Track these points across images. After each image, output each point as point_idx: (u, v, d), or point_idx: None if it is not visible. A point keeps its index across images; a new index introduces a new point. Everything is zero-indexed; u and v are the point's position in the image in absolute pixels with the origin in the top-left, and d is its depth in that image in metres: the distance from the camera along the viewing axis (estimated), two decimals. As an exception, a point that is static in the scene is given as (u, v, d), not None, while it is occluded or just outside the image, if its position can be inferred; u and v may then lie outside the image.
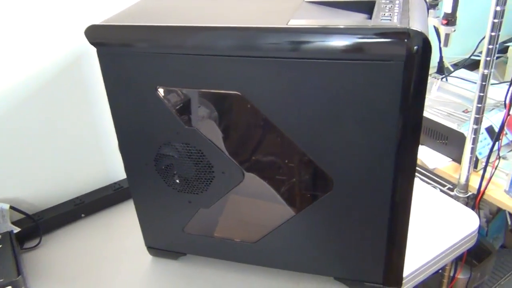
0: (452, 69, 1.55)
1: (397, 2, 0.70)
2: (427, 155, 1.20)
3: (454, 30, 1.13)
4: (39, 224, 1.05)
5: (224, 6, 0.77)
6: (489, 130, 1.14)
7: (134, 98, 0.76)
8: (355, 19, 0.68)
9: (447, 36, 1.15)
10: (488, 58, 1.00)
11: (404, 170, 0.70)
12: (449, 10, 1.10)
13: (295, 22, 0.65)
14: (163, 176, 0.83)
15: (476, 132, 1.07)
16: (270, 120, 0.71)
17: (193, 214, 0.87)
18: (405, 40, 0.59)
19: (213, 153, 0.78)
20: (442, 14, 1.12)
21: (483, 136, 1.13)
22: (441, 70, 1.52)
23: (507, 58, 1.58)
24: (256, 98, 0.70)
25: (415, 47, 0.59)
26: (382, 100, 0.64)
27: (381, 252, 0.78)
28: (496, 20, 0.96)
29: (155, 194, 0.86)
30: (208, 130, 0.77)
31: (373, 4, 0.71)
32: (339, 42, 0.62)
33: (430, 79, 1.39)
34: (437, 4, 1.15)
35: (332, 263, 0.84)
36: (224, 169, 0.79)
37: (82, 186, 1.12)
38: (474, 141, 1.07)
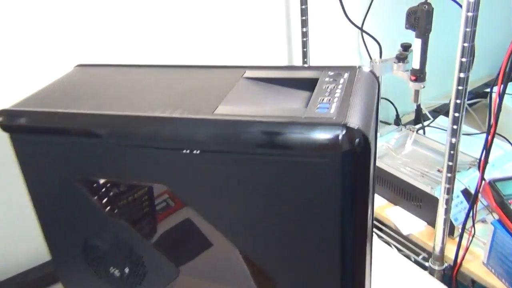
0: (430, 117, 1.48)
1: (341, 81, 0.62)
2: (401, 218, 1.12)
3: (424, 87, 1.06)
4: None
5: (153, 86, 0.69)
6: (466, 192, 1.06)
7: (54, 188, 0.68)
8: (290, 105, 0.60)
9: (417, 92, 1.07)
10: (458, 101, 0.90)
11: (353, 271, 0.61)
12: (417, 66, 1.02)
13: (223, 110, 0.57)
14: (93, 269, 0.74)
15: (448, 193, 0.98)
16: (203, 217, 0.63)
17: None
18: (340, 138, 0.51)
19: (143, 247, 0.69)
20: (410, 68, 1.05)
21: (459, 199, 1.05)
22: (418, 118, 1.45)
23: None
24: (183, 192, 0.62)
25: (351, 145, 0.51)
26: (320, 199, 0.55)
27: None
28: (464, 59, 0.85)
29: (87, 286, 0.77)
30: (138, 223, 0.68)
31: (316, 81, 0.63)
32: (266, 137, 0.54)
33: (404, 131, 1.32)
34: (405, 57, 1.08)
35: None
36: (156, 264, 0.70)
37: (23, 262, 1.03)
38: (447, 205, 0.99)
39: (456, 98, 0.88)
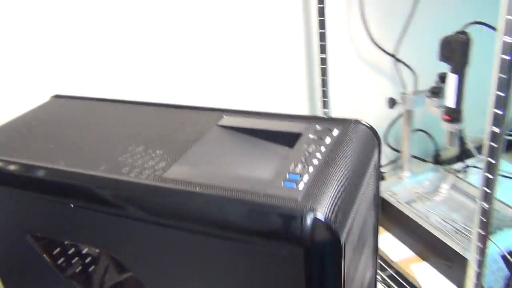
0: (476, 154, 1.29)
1: (326, 140, 0.50)
2: (429, 278, 0.96)
3: (459, 129, 0.90)
4: None
5: (117, 127, 0.60)
6: (506, 258, 0.89)
7: (5, 243, 0.61)
8: (255, 172, 0.48)
9: (451, 134, 0.91)
10: (495, 145, 0.71)
11: None
12: (452, 105, 0.87)
13: (173, 173, 0.47)
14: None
15: (481, 254, 0.82)
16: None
17: None
18: (299, 231, 0.39)
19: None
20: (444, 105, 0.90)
21: (498, 265, 0.88)
22: (461, 156, 1.27)
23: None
24: (126, 258, 0.52)
25: (314, 242, 0.39)
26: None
27: None
28: (500, 93, 0.69)
29: None
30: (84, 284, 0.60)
31: (298, 137, 0.51)
32: (216, 213, 0.43)
33: (441, 172, 1.15)
34: (439, 91, 0.92)
35: None
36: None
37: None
38: (480, 269, 0.82)
39: (491, 139, 0.71)
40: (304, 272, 0.40)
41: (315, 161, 0.46)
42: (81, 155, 0.53)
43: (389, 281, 0.99)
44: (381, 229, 1.09)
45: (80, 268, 0.60)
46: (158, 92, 0.93)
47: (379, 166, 0.54)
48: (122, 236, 0.50)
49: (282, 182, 0.44)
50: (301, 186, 0.43)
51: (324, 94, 1.09)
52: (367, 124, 0.53)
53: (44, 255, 0.58)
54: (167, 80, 0.93)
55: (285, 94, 1.09)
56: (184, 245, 0.46)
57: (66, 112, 0.67)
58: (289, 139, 0.52)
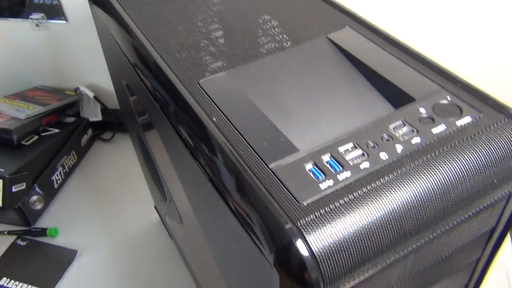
0: None
1: (432, 128, 0.31)
2: None
3: None
4: (117, 120, 1.06)
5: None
6: None
7: (117, 71, 0.61)
8: (308, 127, 0.34)
9: None
10: None
11: None
12: None
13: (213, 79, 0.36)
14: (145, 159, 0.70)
15: None
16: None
17: (164, 214, 0.73)
18: (271, 251, 0.27)
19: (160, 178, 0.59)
20: None
21: None
22: None
23: None
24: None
25: (288, 274, 0.26)
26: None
27: None
28: None
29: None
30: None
31: (407, 102, 0.33)
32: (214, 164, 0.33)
33: None
34: None
35: None
36: (169, 199, 0.60)
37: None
38: None
39: None
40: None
41: (384, 155, 0.30)
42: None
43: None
44: None
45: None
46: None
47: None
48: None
49: (312, 164, 0.30)
50: (327, 182, 0.28)
51: None
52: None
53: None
54: None
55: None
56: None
57: None
58: (395, 98, 0.35)
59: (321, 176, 0.29)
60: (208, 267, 0.54)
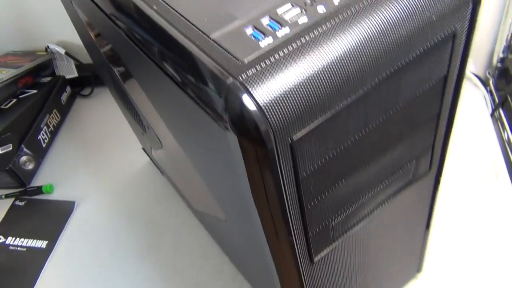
0: None
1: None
2: None
3: None
4: (94, 75, 1.06)
5: None
6: None
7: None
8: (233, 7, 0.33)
9: None
10: None
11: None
12: None
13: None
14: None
15: None
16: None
17: (150, 150, 0.75)
18: (219, 104, 0.27)
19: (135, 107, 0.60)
20: None
21: None
22: None
23: None
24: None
25: (235, 124, 0.27)
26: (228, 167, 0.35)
27: None
28: None
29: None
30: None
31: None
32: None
33: None
34: None
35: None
36: (147, 126, 0.61)
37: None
38: None
39: None
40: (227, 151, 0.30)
41: (322, 9, 0.30)
42: None
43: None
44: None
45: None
46: None
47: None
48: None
49: (252, 28, 0.30)
50: (267, 43, 0.29)
51: None
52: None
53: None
54: None
55: None
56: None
57: None
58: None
59: (261, 36, 0.29)
60: (192, 181, 0.55)
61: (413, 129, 0.38)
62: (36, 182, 0.92)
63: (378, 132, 0.34)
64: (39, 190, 0.90)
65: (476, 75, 0.87)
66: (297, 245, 0.38)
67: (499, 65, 0.87)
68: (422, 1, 0.30)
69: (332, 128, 0.30)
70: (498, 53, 0.86)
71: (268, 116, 0.27)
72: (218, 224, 0.60)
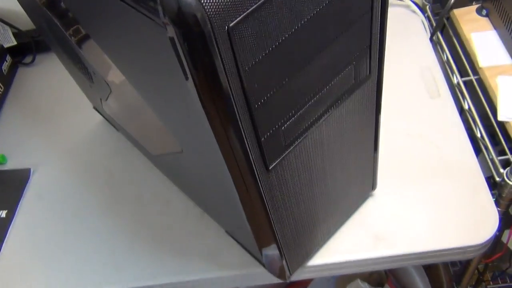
0: None
1: None
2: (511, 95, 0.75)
3: None
4: (34, 41, 1.02)
5: None
6: None
7: None
8: None
9: None
10: None
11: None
12: None
13: None
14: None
15: None
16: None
17: (100, 104, 0.74)
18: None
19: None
20: None
21: None
22: None
23: None
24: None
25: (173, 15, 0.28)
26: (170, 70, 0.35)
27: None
28: None
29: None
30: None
31: None
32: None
33: None
34: None
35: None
36: (92, 72, 0.60)
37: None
38: None
39: None
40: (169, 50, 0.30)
41: None
42: None
43: (462, 86, 0.82)
44: (486, 24, 0.85)
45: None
46: None
47: None
48: None
49: None
50: None
51: None
52: None
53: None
54: None
55: None
56: None
57: None
58: None
59: None
60: (145, 119, 0.55)
61: (348, 26, 0.39)
62: (-13, 155, 0.89)
63: (314, 27, 0.35)
64: (-9, 162, 0.87)
65: (414, 2, 0.90)
66: (250, 151, 0.39)
67: (434, -10, 0.90)
68: None
69: (267, 18, 0.31)
70: (432, -21, 0.89)
71: (202, 2, 0.27)
72: (177, 163, 0.61)
